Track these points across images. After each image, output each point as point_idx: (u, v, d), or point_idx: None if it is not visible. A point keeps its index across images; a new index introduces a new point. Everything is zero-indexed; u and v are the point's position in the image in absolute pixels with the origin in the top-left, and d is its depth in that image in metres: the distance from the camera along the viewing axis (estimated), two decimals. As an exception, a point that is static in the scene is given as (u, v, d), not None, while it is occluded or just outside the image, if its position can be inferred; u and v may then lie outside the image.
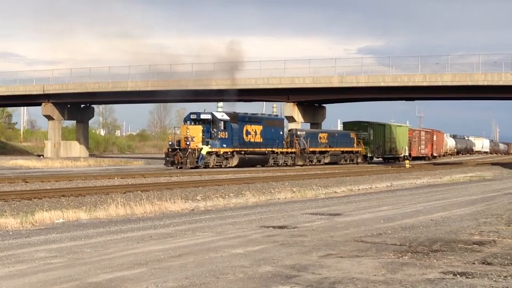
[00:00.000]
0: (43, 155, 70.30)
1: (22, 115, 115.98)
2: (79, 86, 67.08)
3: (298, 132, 55.57)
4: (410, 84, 55.94)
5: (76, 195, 22.65)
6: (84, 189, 25.32)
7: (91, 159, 64.09)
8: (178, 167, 43.38)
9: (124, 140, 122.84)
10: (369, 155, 64.52)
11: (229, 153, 46.75)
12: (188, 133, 43.93)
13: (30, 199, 20.90)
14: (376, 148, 66.10)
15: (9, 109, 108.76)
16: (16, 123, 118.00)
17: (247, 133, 48.79)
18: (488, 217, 17.35)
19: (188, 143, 43.32)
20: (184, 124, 46.41)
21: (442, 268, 9.98)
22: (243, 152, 47.89)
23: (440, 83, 54.64)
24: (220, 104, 73.25)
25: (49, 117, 71.83)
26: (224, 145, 46.05)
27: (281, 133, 53.06)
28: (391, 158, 70.47)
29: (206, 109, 48.06)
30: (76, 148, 74.75)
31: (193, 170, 42.32)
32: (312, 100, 63.01)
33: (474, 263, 10.47)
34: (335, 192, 27.60)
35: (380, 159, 69.52)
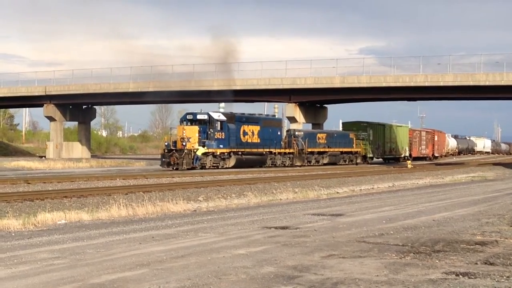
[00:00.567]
0: (45, 156, 70.34)
1: (24, 116, 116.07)
2: (80, 87, 67.15)
3: (296, 133, 55.37)
4: (412, 84, 55.93)
5: (78, 196, 22.64)
6: (86, 190, 25.32)
7: (93, 160, 64.11)
8: (174, 168, 43.00)
9: (125, 141, 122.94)
10: (368, 155, 64.36)
11: (226, 153, 46.41)
12: (184, 134, 43.55)
13: (32, 200, 20.90)
14: (376, 149, 65.96)
15: (11, 110, 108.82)
16: (18, 124, 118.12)
17: (244, 133, 48.52)
18: (491, 217, 17.34)
19: (184, 144, 42.99)
20: (181, 124, 45.97)
21: (445, 269, 9.97)
22: (240, 153, 47.59)
23: (442, 83, 54.63)
24: (222, 104, 73.31)
25: (51, 118, 71.90)
26: (221, 146, 45.74)
27: (279, 133, 52.79)
28: (391, 159, 70.37)
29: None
30: (78, 149, 74.80)
31: (194, 171, 42.24)
32: (314, 101, 63.00)
33: (476, 264, 10.46)
34: (337, 192, 27.60)
35: (380, 159, 69.44)
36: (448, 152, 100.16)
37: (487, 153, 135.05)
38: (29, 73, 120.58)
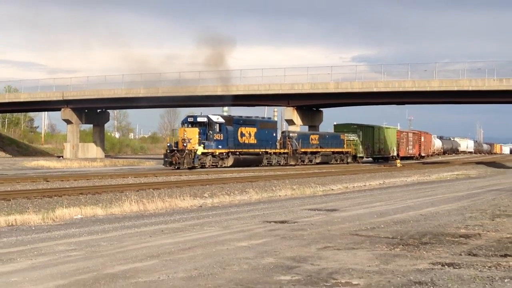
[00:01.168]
0: (62, 156, 70.35)
1: (43, 120, 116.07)
2: (95, 92, 67.20)
3: (291, 134, 55.25)
4: (401, 89, 55.91)
5: (93, 193, 22.66)
6: (100, 187, 25.33)
7: (107, 160, 64.12)
8: (176, 168, 42.73)
9: (137, 142, 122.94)
10: (359, 155, 64.26)
11: (224, 153, 46.15)
12: (185, 135, 43.30)
13: (51, 197, 20.92)
14: (366, 149, 65.83)
15: (31, 114, 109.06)
16: (38, 126, 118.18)
17: (242, 135, 48.27)
18: (474, 212, 17.34)
19: (185, 144, 42.74)
20: (182, 126, 45.65)
21: (431, 259, 9.97)
22: (237, 153, 47.35)
23: (428, 89, 54.62)
24: (225, 108, 73.29)
25: (68, 121, 71.95)
26: (220, 146, 45.51)
27: (274, 134, 52.58)
28: (380, 158, 70.24)
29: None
30: (93, 150, 74.79)
31: (201, 170, 42.22)
32: (310, 105, 63.00)
33: (461, 255, 10.46)
34: (332, 189, 27.58)
35: (370, 159, 69.32)
36: (434, 152, 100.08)
37: (470, 153, 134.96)
38: (48, 79, 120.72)
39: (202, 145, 43.48)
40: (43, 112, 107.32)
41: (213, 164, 45.11)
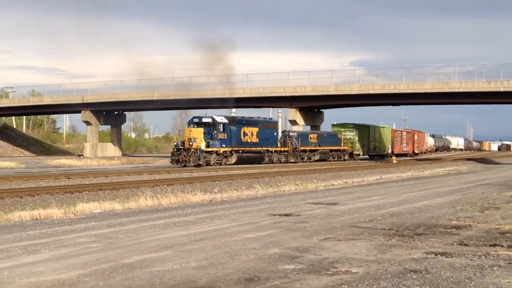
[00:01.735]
0: (82, 155, 70.49)
1: (64, 121, 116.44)
2: (113, 96, 67.32)
3: (291, 133, 55.04)
4: (396, 91, 55.80)
5: (111, 189, 22.67)
6: (118, 183, 25.36)
7: (124, 158, 64.19)
8: (182, 165, 42.34)
9: (151, 142, 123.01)
10: (355, 152, 64.00)
11: (228, 152, 45.82)
12: (191, 135, 43.04)
13: (72, 193, 20.94)
14: (362, 147, 65.52)
15: (54, 116, 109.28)
16: (60, 128, 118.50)
17: (244, 134, 47.94)
18: (464, 205, 17.30)
19: (191, 143, 42.53)
20: (188, 127, 45.30)
21: (425, 249, 9.95)
22: (240, 151, 47.05)
23: (421, 91, 54.50)
24: (233, 110, 73.24)
25: (88, 123, 72.09)
26: (224, 145, 45.21)
27: (275, 134, 52.26)
28: (375, 155, 69.91)
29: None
30: (111, 149, 74.92)
31: (210, 167, 42.17)
32: (312, 106, 62.93)
33: (452, 245, 10.44)
34: (332, 184, 27.56)
35: (366, 156, 69.08)
36: (427, 149, 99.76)
37: (461, 150, 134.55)
38: (69, 84, 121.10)
39: (205, 142, 43.23)
40: (64, 114, 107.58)
41: (218, 162, 44.83)
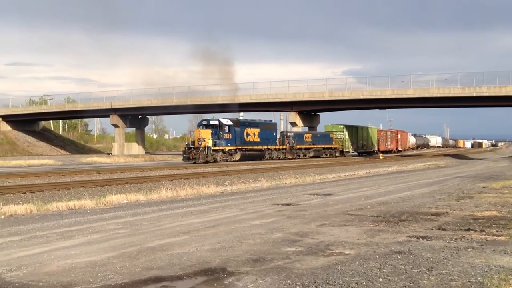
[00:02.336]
0: (111, 154, 70.53)
1: (95, 124, 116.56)
2: (137, 102, 67.40)
3: (288, 133, 54.83)
4: (382, 96, 55.64)
5: (136, 182, 22.71)
6: (142, 178, 25.39)
7: (147, 156, 64.25)
8: (193, 162, 42.04)
9: (171, 142, 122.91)
10: (345, 150, 63.76)
11: (232, 150, 45.47)
12: (200, 135, 42.78)
13: (102, 186, 20.99)
14: (351, 145, 65.30)
15: (86, 119, 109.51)
16: (91, 130, 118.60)
17: (247, 134, 47.57)
18: (442, 195, 17.26)
19: (200, 143, 42.24)
20: (198, 128, 44.97)
21: (408, 233, 9.93)
22: (244, 149, 46.69)
23: (405, 96, 54.33)
24: (241, 114, 73.23)
25: (115, 125, 72.16)
26: (229, 144, 44.84)
27: (274, 134, 51.94)
28: (363, 152, 69.55)
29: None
30: (136, 148, 74.95)
31: (221, 163, 42.14)
32: (310, 110, 62.80)
33: (432, 229, 10.42)
34: (328, 178, 27.52)
35: (355, 153, 68.79)
36: (409, 147, 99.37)
37: (439, 147, 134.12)
38: (99, 92, 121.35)
39: (211, 141, 43.05)
40: (95, 118, 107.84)
41: (224, 159, 44.55)
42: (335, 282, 6.55)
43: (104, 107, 69.58)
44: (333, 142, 61.21)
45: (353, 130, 66.36)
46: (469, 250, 8.41)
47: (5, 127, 76.40)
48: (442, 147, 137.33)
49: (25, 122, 77.77)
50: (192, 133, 46.05)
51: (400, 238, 9.46)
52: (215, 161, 43.25)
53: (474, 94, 51.00)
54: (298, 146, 54.24)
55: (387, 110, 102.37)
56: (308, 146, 56.56)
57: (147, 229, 10.63)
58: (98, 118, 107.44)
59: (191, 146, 43.31)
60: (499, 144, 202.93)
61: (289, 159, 51.80)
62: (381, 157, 55.23)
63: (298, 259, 7.80)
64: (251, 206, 14.41)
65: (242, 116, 67.06)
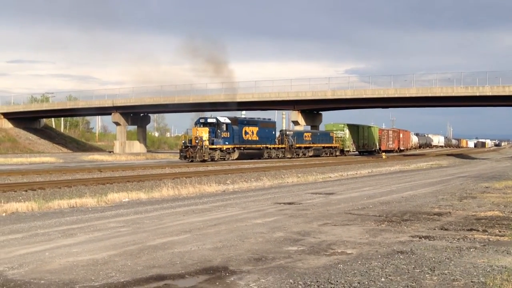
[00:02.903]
0: (113, 151, 70.61)
1: (97, 122, 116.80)
2: (139, 100, 67.41)
3: (287, 132, 54.53)
4: (385, 96, 55.61)
5: (138, 180, 22.71)
6: (143, 176, 25.41)
7: (148, 154, 64.29)
8: (190, 161, 41.74)
9: (172, 140, 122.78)
10: (345, 149, 63.52)
11: (230, 149, 45.18)
12: (197, 134, 42.40)
13: (104, 184, 21.00)
14: (351, 144, 65.06)
15: (87, 117, 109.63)
16: (93, 128, 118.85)
17: (246, 133, 47.23)
18: (445, 194, 17.26)
19: (197, 141, 41.94)
20: (195, 126, 44.36)
21: (411, 233, 9.93)
22: (242, 148, 46.34)
23: (407, 95, 54.30)
24: (244, 112, 73.20)
25: (117, 123, 72.21)
26: (227, 143, 44.57)
27: (273, 133, 51.56)
28: (364, 152, 69.35)
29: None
30: (137, 146, 75.00)
31: (223, 162, 42.13)
32: (312, 108, 62.78)
33: (434, 229, 10.42)
34: (330, 177, 27.52)
35: (356, 152, 68.63)
36: (412, 146, 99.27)
37: (441, 146, 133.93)
38: (101, 90, 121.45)
39: (207, 140, 42.77)
40: (97, 116, 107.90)
41: (221, 157, 44.15)
42: (337, 281, 6.56)
43: (106, 105, 69.63)
44: (333, 141, 61.00)
45: (354, 129, 66.20)
46: (471, 250, 8.41)
47: (6, 124, 76.51)
48: (445, 146, 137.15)
49: (26, 120, 77.87)
50: (189, 131, 45.58)
51: (403, 237, 9.46)
52: (212, 160, 42.85)
53: (477, 94, 50.96)
54: (297, 145, 54.01)
55: (390, 109, 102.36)
56: (307, 145, 56.33)
57: (149, 227, 10.64)
58: (99, 116, 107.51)
59: (188, 144, 43.00)
60: (503, 144, 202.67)
61: (288, 158, 51.53)
62: (383, 157, 55.21)
63: (300, 258, 7.81)
64: (253, 205, 14.42)
65: (244, 114, 67.05)
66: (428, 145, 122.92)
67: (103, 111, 74.11)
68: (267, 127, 50.81)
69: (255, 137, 48.37)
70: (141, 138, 76.75)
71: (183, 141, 44.78)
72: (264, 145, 49.47)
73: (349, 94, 57.28)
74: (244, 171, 29.29)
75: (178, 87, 64.96)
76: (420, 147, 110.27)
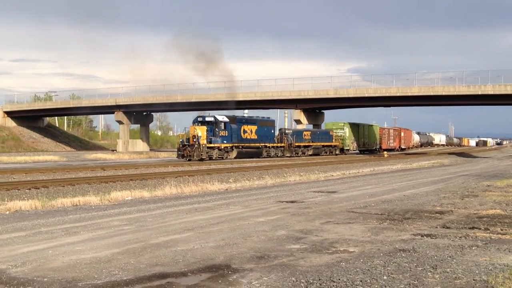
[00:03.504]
0: (116, 150, 70.69)
1: (100, 121, 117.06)
2: (142, 99, 67.43)
3: (286, 131, 54.27)
4: (387, 94, 55.58)
5: (141, 179, 22.74)
6: (146, 174, 25.42)
7: (151, 153, 64.37)
8: (187, 160, 41.34)
9: (175, 139, 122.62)
10: (345, 148, 63.27)
11: (228, 147, 44.84)
12: (195, 132, 42.03)
13: (107, 182, 21.03)
14: (352, 143, 64.86)
15: (91, 116, 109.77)
16: (96, 126, 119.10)
17: (244, 131, 46.90)
18: (447, 193, 17.23)
19: (195, 140, 41.60)
20: (193, 125, 43.98)
21: (413, 231, 9.92)
22: (240, 147, 46.07)
23: (409, 94, 54.27)
24: (246, 111, 73.18)
25: (120, 122, 72.29)
26: (225, 141, 44.21)
27: (272, 131, 51.25)
28: (365, 150, 69.11)
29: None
30: (140, 145, 75.09)
31: (225, 161, 42.11)
32: (314, 107, 62.77)
33: (436, 227, 10.40)
34: (332, 175, 27.49)
35: (357, 151, 68.48)
36: (413, 145, 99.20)
37: (443, 145, 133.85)
38: (104, 88, 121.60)
39: (205, 139, 42.30)
40: (100, 115, 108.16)
41: (219, 156, 43.72)
42: (339, 279, 6.55)
43: (109, 104, 69.71)
44: (333, 140, 60.77)
45: (354, 127, 66.04)
46: (473, 248, 8.40)
47: (10, 123, 76.64)
48: (447, 145, 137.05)
49: (30, 118, 78.01)
50: (187, 130, 45.15)
51: (405, 236, 9.45)
52: (210, 158, 42.45)
53: (479, 93, 50.91)
54: (296, 144, 53.74)
55: (392, 108, 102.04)
56: (307, 144, 56.05)
57: (152, 225, 10.64)
58: (102, 115, 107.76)
59: (185, 143, 42.51)
60: (504, 142, 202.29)
61: (287, 156, 51.29)
62: (385, 155, 55.18)
63: (302, 257, 7.80)
64: (255, 203, 14.42)
65: (246, 113, 67.03)
66: (430, 143, 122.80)
67: (106, 109, 74.19)
68: (266, 125, 50.48)
69: (253, 136, 48.06)
70: (144, 137, 76.82)
71: (180, 140, 44.24)
72: (263, 144, 49.14)
73: (351, 93, 57.23)
74: (247, 170, 29.29)
75: (181, 86, 65.03)
76: (421, 145, 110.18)
